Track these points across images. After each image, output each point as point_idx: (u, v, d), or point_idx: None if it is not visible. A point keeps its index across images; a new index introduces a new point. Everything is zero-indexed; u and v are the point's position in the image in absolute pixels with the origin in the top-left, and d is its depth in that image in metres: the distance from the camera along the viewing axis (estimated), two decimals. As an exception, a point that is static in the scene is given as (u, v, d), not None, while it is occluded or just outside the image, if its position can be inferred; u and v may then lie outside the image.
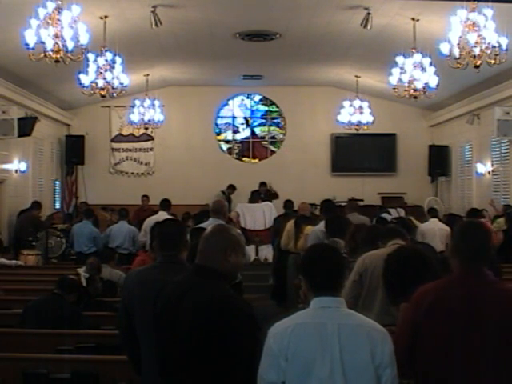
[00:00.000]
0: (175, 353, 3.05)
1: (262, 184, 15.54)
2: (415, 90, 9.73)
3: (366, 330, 2.77)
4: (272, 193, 15.28)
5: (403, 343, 2.93)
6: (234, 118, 17.42)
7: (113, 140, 16.69)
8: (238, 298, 3.15)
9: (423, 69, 9.62)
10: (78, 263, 9.98)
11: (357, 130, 14.50)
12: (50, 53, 7.34)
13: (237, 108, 17.45)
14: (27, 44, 7.30)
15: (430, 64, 9.55)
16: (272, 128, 17.41)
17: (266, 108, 17.47)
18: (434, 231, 9.45)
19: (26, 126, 11.70)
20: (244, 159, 17.31)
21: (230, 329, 2.93)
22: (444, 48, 7.73)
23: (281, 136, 17.37)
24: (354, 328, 2.78)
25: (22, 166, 13.09)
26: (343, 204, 12.40)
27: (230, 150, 17.34)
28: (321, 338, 2.75)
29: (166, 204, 10.21)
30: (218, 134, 17.34)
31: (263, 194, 15.33)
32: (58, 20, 7.36)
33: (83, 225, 11.07)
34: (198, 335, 2.96)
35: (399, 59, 9.78)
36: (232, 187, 15.78)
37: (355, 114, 14.36)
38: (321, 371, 2.72)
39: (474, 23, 7.52)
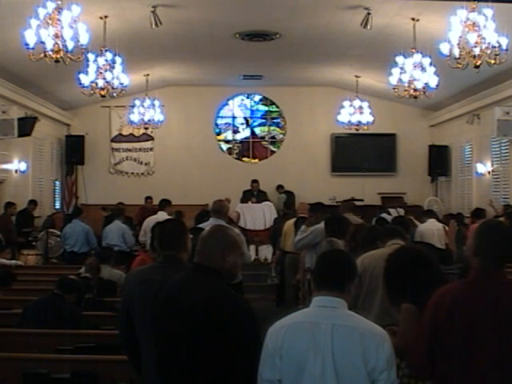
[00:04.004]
0: (174, 352, 3.05)
1: (254, 181, 15.50)
2: (415, 89, 9.73)
3: (359, 333, 2.75)
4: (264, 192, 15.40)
5: (422, 345, 2.90)
6: (233, 118, 17.42)
7: (113, 140, 16.70)
8: (237, 296, 3.15)
9: (423, 69, 9.62)
10: (70, 263, 10.02)
11: (357, 130, 14.50)
12: (50, 53, 7.34)
13: (237, 108, 17.45)
14: (27, 44, 7.30)
15: (430, 64, 9.55)
16: (272, 128, 17.41)
17: (266, 108, 17.47)
18: (433, 231, 9.50)
19: (25, 126, 11.71)
20: (244, 159, 17.31)
21: (229, 327, 2.94)
22: (444, 48, 7.73)
23: (281, 136, 17.37)
24: (348, 329, 2.77)
25: (22, 166, 13.09)
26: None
27: (230, 150, 17.34)
28: (313, 338, 2.75)
29: (165, 204, 10.23)
30: (218, 134, 17.35)
31: (256, 191, 15.34)
32: (58, 20, 7.35)
33: (73, 224, 11.03)
34: (197, 334, 2.96)
35: (399, 59, 9.78)
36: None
37: (355, 114, 14.37)
38: (313, 370, 2.72)
39: (474, 23, 7.52)
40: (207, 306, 2.97)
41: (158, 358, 3.17)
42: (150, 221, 9.11)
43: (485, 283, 2.87)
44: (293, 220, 9.33)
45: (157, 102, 14.49)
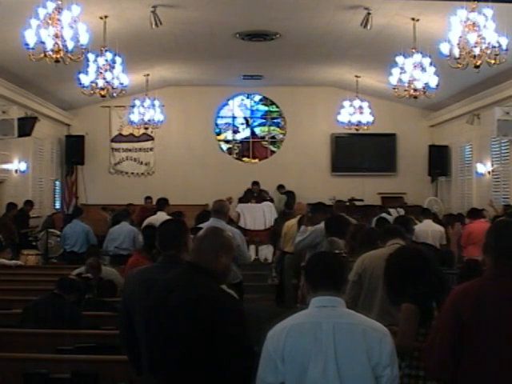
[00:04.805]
0: (164, 350, 3.08)
1: (255, 183, 15.59)
2: (415, 90, 9.72)
3: (361, 329, 2.77)
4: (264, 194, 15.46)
5: (445, 345, 2.89)
6: (233, 118, 17.43)
7: (113, 140, 16.69)
8: (228, 296, 3.19)
9: (423, 69, 9.62)
10: (71, 263, 9.97)
11: (357, 130, 14.50)
12: (50, 53, 7.34)
13: (237, 108, 17.45)
14: (27, 44, 7.30)
15: (430, 64, 9.55)
16: (272, 128, 17.42)
17: (266, 108, 17.47)
18: (427, 232, 9.42)
19: (25, 126, 11.70)
20: (244, 159, 17.31)
21: (218, 326, 2.96)
22: (444, 48, 7.73)
23: (281, 136, 17.37)
24: (349, 327, 2.78)
25: (22, 166, 13.09)
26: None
27: (230, 150, 17.34)
28: (315, 338, 2.76)
29: (163, 203, 10.15)
30: (218, 134, 17.35)
31: (256, 193, 15.40)
32: (58, 20, 7.35)
33: (73, 224, 10.99)
34: (187, 332, 2.99)
35: (399, 59, 9.77)
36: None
37: (355, 114, 14.37)
38: (315, 370, 2.72)
39: (474, 23, 7.51)
40: (197, 305, 3.00)
41: (150, 355, 3.20)
42: (150, 221, 9.09)
43: (501, 281, 2.87)
44: (293, 220, 9.32)
45: (157, 102, 14.48)
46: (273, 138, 17.41)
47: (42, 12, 7.33)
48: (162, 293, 3.16)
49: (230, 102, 17.35)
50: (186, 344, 2.98)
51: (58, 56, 7.41)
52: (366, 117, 14.35)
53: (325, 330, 2.76)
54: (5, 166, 12.45)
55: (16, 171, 12.93)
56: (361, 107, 14.37)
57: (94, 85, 9.50)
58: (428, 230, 9.56)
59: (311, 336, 2.76)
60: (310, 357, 2.74)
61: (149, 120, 14.39)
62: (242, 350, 2.94)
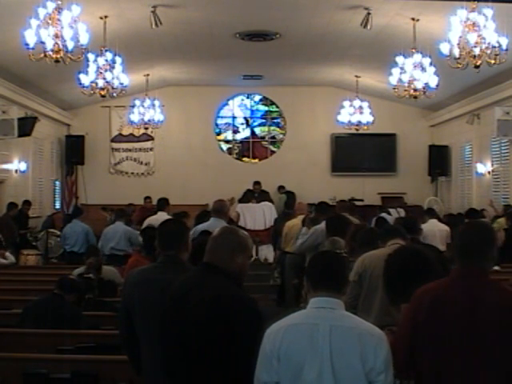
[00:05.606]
0: (181, 350, 3.08)
1: (256, 183, 15.63)
2: (415, 90, 9.73)
3: (357, 333, 2.75)
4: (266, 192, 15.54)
5: (405, 343, 2.91)
6: (233, 118, 17.43)
7: (113, 140, 16.70)
8: (244, 295, 3.17)
9: (423, 69, 9.62)
10: (70, 263, 9.97)
11: (357, 130, 14.50)
12: (50, 53, 7.34)
13: (237, 108, 17.46)
14: (27, 44, 7.30)
15: (430, 64, 9.55)
16: (272, 128, 17.42)
17: (266, 108, 17.47)
18: (434, 232, 9.39)
19: (25, 126, 11.71)
20: (244, 159, 17.32)
21: (234, 325, 2.96)
22: (444, 48, 7.73)
23: (281, 136, 17.38)
24: (346, 330, 2.77)
25: (22, 166, 13.09)
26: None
27: (230, 150, 17.35)
28: (312, 339, 2.75)
29: (163, 203, 10.13)
30: (218, 134, 17.35)
31: (257, 193, 15.43)
32: (58, 20, 7.36)
33: (73, 224, 10.97)
34: (203, 332, 2.99)
35: (399, 59, 9.77)
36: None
37: (355, 114, 14.37)
38: (311, 372, 2.72)
39: (474, 23, 7.52)
40: (212, 305, 3.00)
41: (166, 355, 3.19)
42: (151, 221, 9.08)
43: (459, 281, 2.87)
44: (294, 220, 9.31)
45: (157, 102, 14.49)
46: (273, 137, 17.41)
47: (41, 12, 7.33)
48: (179, 293, 3.15)
49: (230, 102, 17.36)
50: (203, 344, 2.98)
51: (58, 56, 7.41)
52: (366, 117, 14.35)
53: (321, 331, 2.74)
54: (5, 166, 12.45)
55: (16, 171, 12.93)
56: (361, 107, 14.37)
57: (93, 85, 9.50)
58: (435, 229, 9.52)
59: (308, 337, 2.75)
60: (306, 358, 2.73)
61: (149, 120, 14.40)
62: (258, 349, 2.92)
